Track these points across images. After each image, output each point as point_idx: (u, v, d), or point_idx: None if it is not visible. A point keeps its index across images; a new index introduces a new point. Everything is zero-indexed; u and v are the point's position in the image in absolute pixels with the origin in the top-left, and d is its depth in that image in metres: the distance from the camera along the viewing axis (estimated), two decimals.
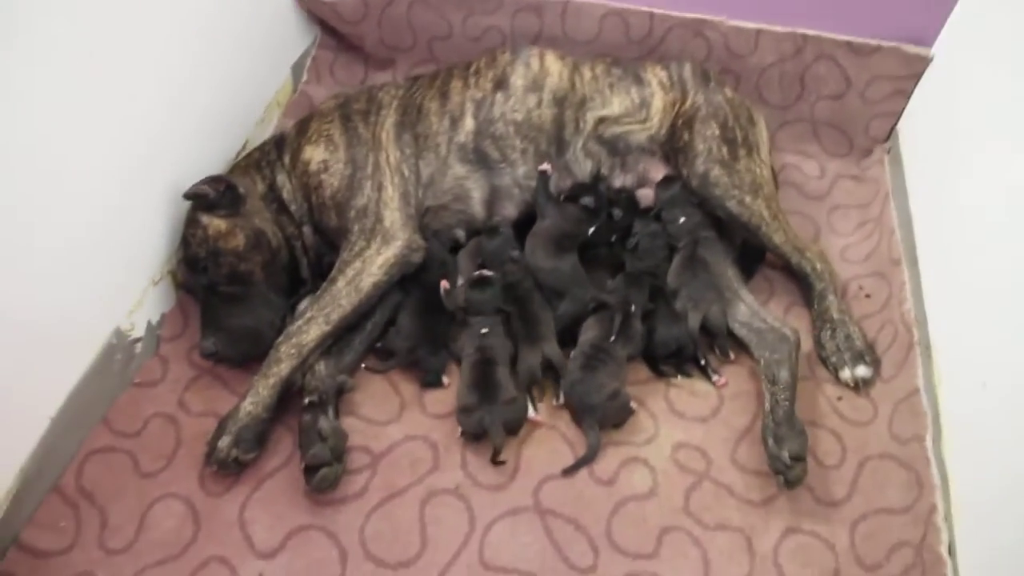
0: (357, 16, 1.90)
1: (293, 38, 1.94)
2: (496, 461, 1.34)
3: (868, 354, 1.49)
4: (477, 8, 1.87)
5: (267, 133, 1.84)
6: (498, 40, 1.91)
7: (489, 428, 1.33)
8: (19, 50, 1.15)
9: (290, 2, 1.89)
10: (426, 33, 1.95)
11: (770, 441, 1.34)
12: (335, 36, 2.01)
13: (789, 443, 1.32)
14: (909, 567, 1.24)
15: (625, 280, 1.48)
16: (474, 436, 1.38)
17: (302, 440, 1.33)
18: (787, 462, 1.30)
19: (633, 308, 1.41)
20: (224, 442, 1.32)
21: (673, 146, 1.61)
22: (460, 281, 1.56)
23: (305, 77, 1.98)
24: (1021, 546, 1.08)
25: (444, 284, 1.49)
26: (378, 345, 1.52)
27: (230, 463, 1.32)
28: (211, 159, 1.65)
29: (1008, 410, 1.18)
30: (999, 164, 1.36)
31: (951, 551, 1.21)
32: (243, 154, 1.72)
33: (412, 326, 1.48)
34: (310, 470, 1.28)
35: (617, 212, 1.62)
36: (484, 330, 1.40)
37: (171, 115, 1.51)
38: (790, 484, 1.31)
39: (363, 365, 1.50)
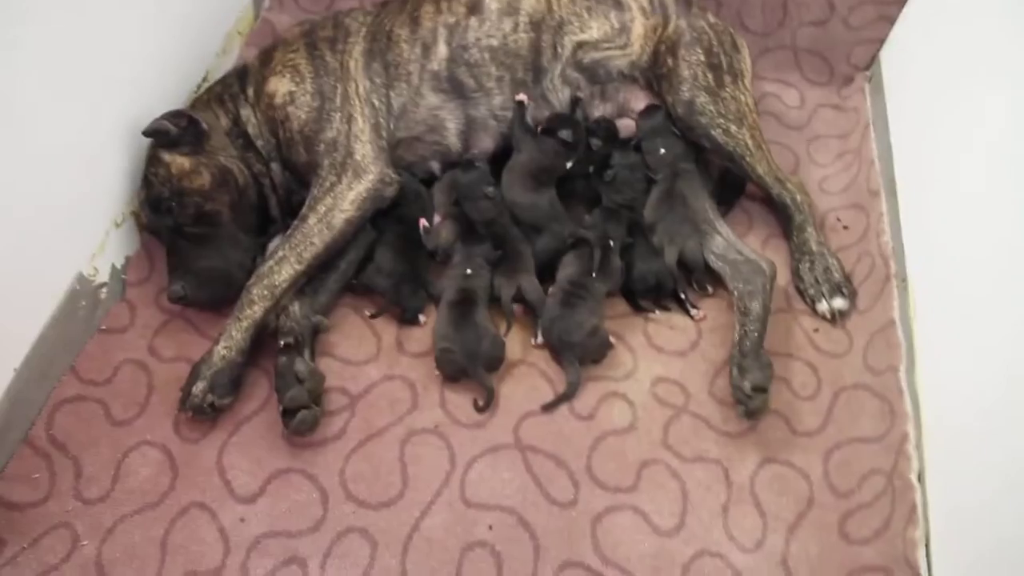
0: None
1: None
2: (480, 408, 1.34)
3: (845, 286, 1.49)
4: None
5: (228, 64, 1.75)
6: None
7: (474, 375, 1.33)
8: None
9: None
10: None
11: (735, 371, 1.36)
12: None
13: (752, 374, 1.33)
14: (880, 494, 1.28)
15: (603, 215, 1.45)
16: (452, 376, 1.37)
17: (279, 383, 1.31)
18: (748, 392, 1.32)
19: (612, 243, 1.39)
20: (199, 387, 1.30)
21: (656, 72, 1.56)
22: (436, 218, 1.52)
23: (267, 3, 1.88)
24: (987, 472, 1.11)
25: (423, 222, 1.45)
26: (354, 282, 1.49)
27: (206, 408, 1.30)
28: (169, 93, 1.56)
29: (980, 343, 1.20)
30: (983, 95, 1.34)
31: (920, 478, 1.25)
32: (204, 87, 1.63)
33: (393, 263, 1.44)
34: (288, 413, 1.27)
35: (596, 142, 1.57)
36: (468, 271, 1.37)
37: (125, 47, 1.42)
38: (750, 414, 1.33)
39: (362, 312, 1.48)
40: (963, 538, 1.14)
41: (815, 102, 1.85)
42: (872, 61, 1.81)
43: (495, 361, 1.36)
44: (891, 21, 1.74)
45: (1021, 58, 1.25)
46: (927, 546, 1.19)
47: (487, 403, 1.34)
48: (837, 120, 1.82)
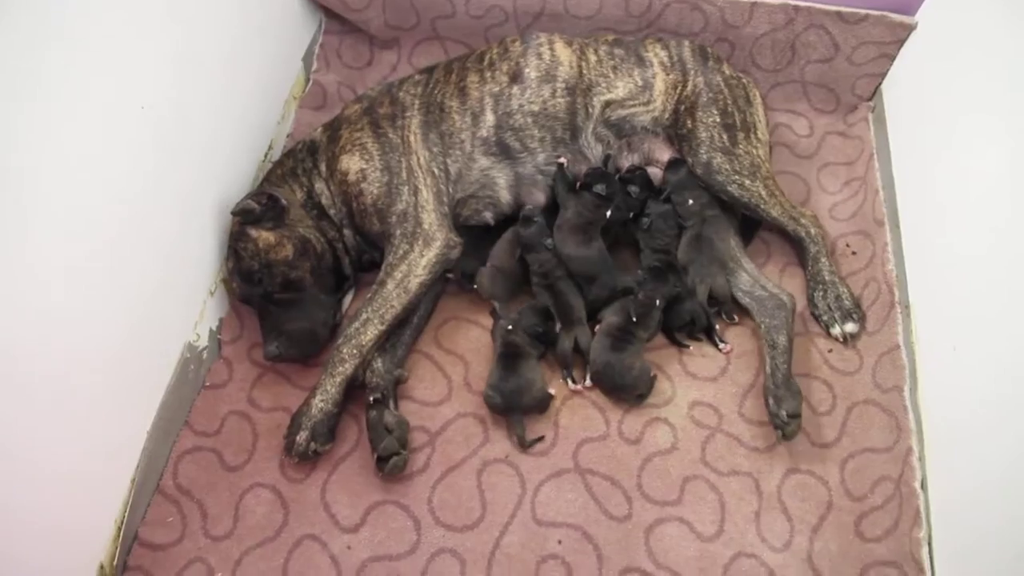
0: (363, 3, 1.93)
1: (299, 30, 1.97)
2: (525, 447, 1.53)
3: (856, 311, 1.68)
4: None
5: (286, 130, 1.92)
6: (500, 18, 1.97)
7: (512, 419, 1.53)
8: (82, 117, 1.22)
9: None
10: (429, 12, 1.99)
11: (771, 401, 1.56)
12: (338, 20, 2.04)
13: (786, 403, 1.53)
14: (889, 498, 1.49)
15: (652, 274, 1.64)
16: (498, 413, 1.56)
17: (371, 435, 1.51)
18: (785, 419, 1.52)
19: (658, 303, 1.58)
20: (302, 436, 1.50)
21: (677, 132, 1.73)
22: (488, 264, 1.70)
23: (315, 66, 2.03)
24: (981, 482, 1.31)
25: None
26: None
27: (309, 454, 1.50)
28: (243, 168, 1.74)
29: (975, 366, 1.39)
30: (977, 131, 1.49)
31: (923, 486, 1.46)
32: (270, 155, 1.80)
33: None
34: (382, 460, 1.47)
35: (634, 189, 1.75)
36: (509, 327, 1.57)
37: (207, 135, 1.58)
38: (787, 437, 1.54)
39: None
40: (959, 538, 1.35)
41: (823, 130, 2.01)
42: (875, 93, 1.97)
43: (540, 407, 1.56)
44: (891, 58, 1.89)
45: (1012, 93, 1.40)
46: (930, 544, 1.40)
47: (522, 443, 1.53)
48: (844, 147, 1.98)
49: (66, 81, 1.17)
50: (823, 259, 1.73)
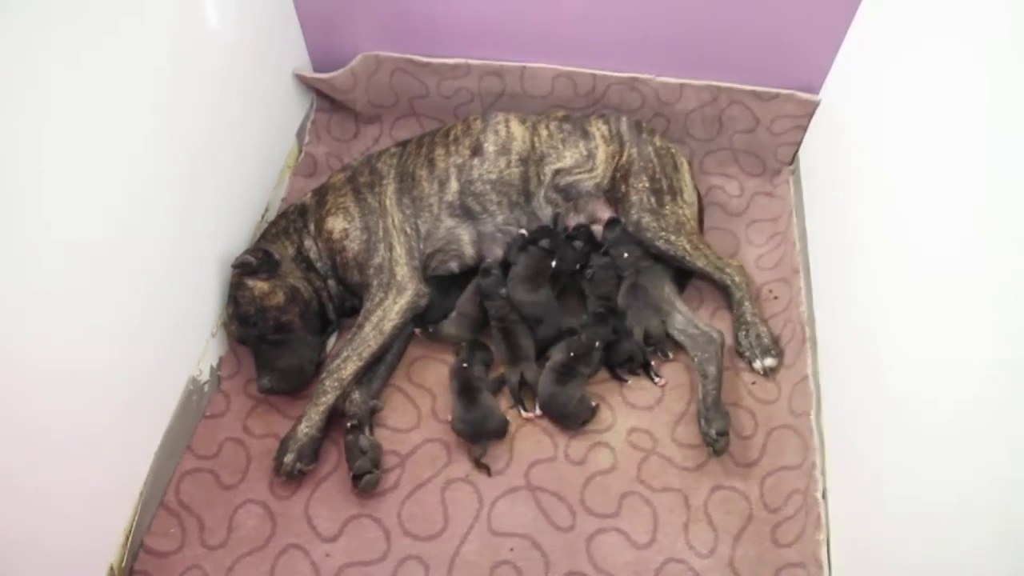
0: (348, 86, 2.24)
1: (294, 108, 2.27)
2: (479, 466, 1.75)
3: (774, 348, 1.92)
4: (449, 74, 2.22)
5: (282, 194, 2.20)
6: (467, 97, 2.28)
7: (477, 445, 1.76)
8: (108, 179, 1.49)
9: (290, 80, 2.22)
10: (407, 94, 2.30)
11: (702, 422, 1.78)
12: (328, 99, 2.34)
13: (716, 423, 1.75)
14: (799, 508, 1.69)
15: (594, 318, 1.88)
16: (469, 440, 1.78)
17: (348, 456, 1.73)
18: (714, 437, 1.74)
19: (597, 344, 1.83)
20: (289, 458, 1.72)
21: (613, 195, 2.01)
22: (453, 313, 1.96)
23: (307, 139, 2.32)
24: (872, 491, 1.52)
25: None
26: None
27: (295, 473, 1.72)
28: (242, 227, 2.01)
29: (864, 397, 1.61)
30: (873, 192, 1.72)
31: (824, 495, 1.66)
32: (266, 216, 2.09)
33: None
34: (357, 478, 1.69)
35: (578, 244, 2.01)
36: (464, 363, 1.81)
37: (213, 200, 1.86)
38: (717, 453, 1.75)
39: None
40: (852, 538, 1.56)
41: (752, 190, 2.28)
42: (794, 158, 2.26)
43: (499, 433, 1.77)
44: (804, 129, 2.18)
45: (901, 157, 1.60)
46: (828, 545, 1.61)
47: (478, 464, 1.75)
48: (769, 206, 2.26)
49: (87, 142, 1.41)
50: (746, 303, 1.97)
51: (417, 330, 1.96)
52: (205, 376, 1.86)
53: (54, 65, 1.29)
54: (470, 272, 2.01)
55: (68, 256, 1.38)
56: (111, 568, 1.56)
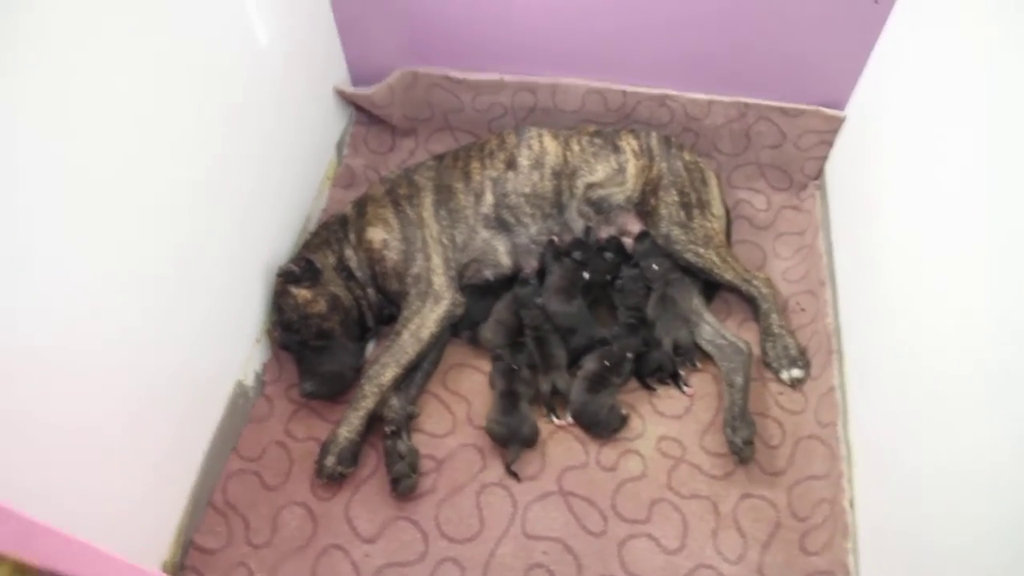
0: (386, 101, 2.32)
1: (334, 122, 2.35)
2: (511, 471, 1.80)
3: (801, 360, 1.96)
4: (484, 90, 2.29)
5: (322, 205, 2.28)
6: (500, 112, 2.34)
7: (511, 449, 1.81)
8: (156, 195, 1.57)
9: (330, 95, 2.30)
10: (442, 108, 2.37)
11: (729, 431, 1.83)
12: (366, 113, 2.42)
13: (741, 431, 1.81)
14: (827, 517, 1.73)
15: (625, 329, 1.94)
16: (500, 444, 1.84)
17: (387, 460, 1.79)
18: (740, 445, 1.79)
19: (629, 355, 1.88)
20: (330, 460, 1.79)
21: (643, 209, 2.07)
22: (491, 318, 2.02)
23: (346, 151, 2.39)
24: (898, 499, 1.56)
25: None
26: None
27: (336, 476, 1.79)
28: (285, 237, 2.09)
29: (890, 408, 1.65)
30: (897, 207, 1.76)
31: (851, 504, 1.70)
32: (308, 226, 2.16)
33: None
34: (396, 482, 1.75)
35: (609, 255, 2.08)
36: (514, 367, 1.87)
37: (261, 212, 1.94)
38: (743, 461, 1.80)
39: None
40: (879, 547, 1.60)
41: (779, 204, 2.33)
42: (820, 172, 2.30)
43: (532, 440, 1.83)
44: (830, 144, 2.22)
45: (924, 172, 1.65)
46: (855, 553, 1.65)
47: (514, 476, 1.80)
48: (796, 219, 2.30)
49: (160, 165, 1.50)
50: (773, 315, 2.02)
51: (463, 335, 2.02)
52: (250, 381, 1.93)
53: (119, 92, 1.37)
54: (503, 281, 2.07)
55: (138, 270, 1.47)
56: (164, 563, 1.63)
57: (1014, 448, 1.17)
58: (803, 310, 2.10)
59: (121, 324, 1.44)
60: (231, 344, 1.87)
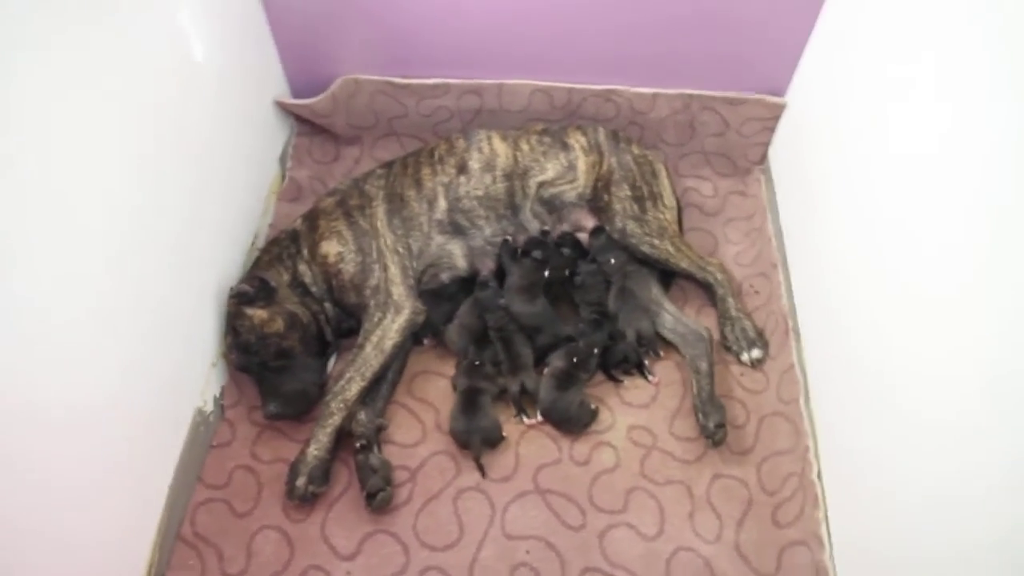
0: (328, 110, 2.27)
1: (276, 135, 2.30)
2: (480, 468, 1.80)
3: (759, 340, 2.01)
4: (428, 94, 2.27)
5: (269, 220, 2.22)
6: (446, 116, 2.33)
7: (472, 448, 1.80)
8: (110, 215, 1.51)
9: (271, 107, 2.24)
10: (386, 115, 2.34)
11: (700, 416, 1.86)
12: (308, 124, 2.37)
13: (713, 416, 1.84)
14: (796, 490, 1.78)
15: (590, 325, 1.96)
16: (462, 445, 1.83)
17: (360, 475, 1.76)
18: (712, 429, 1.83)
19: (595, 351, 1.90)
20: (300, 481, 1.74)
21: (596, 204, 2.09)
22: (455, 321, 2.01)
23: (290, 164, 2.34)
24: (864, 469, 1.61)
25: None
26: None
27: (307, 496, 1.74)
28: (233, 256, 2.02)
29: (847, 381, 1.71)
30: (840, 187, 1.82)
31: (819, 476, 1.76)
32: (256, 244, 2.10)
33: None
34: (370, 496, 1.72)
35: (566, 250, 2.09)
36: (476, 361, 1.87)
37: (205, 231, 1.87)
38: (716, 444, 1.84)
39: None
40: (849, 514, 1.66)
41: (726, 190, 2.38)
42: (763, 158, 2.36)
43: (492, 436, 1.82)
44: (772, 130, 2.29)
45: (866, 154, 1.71)
46: (827, 522, 1.71)
47: (482, 471, 1.80)
48: (743, 204, 2.36)
49: (80, 180, 1.41)
50: (729, 299, 2.06)
51: (425, 341, 2.00)
52: (210, 407, 1.87)
53: (45, 101, 1.30)
54: (460, 283, 2.06)
55: (65, 295, 1.36)
56: None
57: (960, 407, 1.25)
58: (757, 292, 2.15)
59: (64, 359, 1.36)
60: (186, 370, 1.80)
